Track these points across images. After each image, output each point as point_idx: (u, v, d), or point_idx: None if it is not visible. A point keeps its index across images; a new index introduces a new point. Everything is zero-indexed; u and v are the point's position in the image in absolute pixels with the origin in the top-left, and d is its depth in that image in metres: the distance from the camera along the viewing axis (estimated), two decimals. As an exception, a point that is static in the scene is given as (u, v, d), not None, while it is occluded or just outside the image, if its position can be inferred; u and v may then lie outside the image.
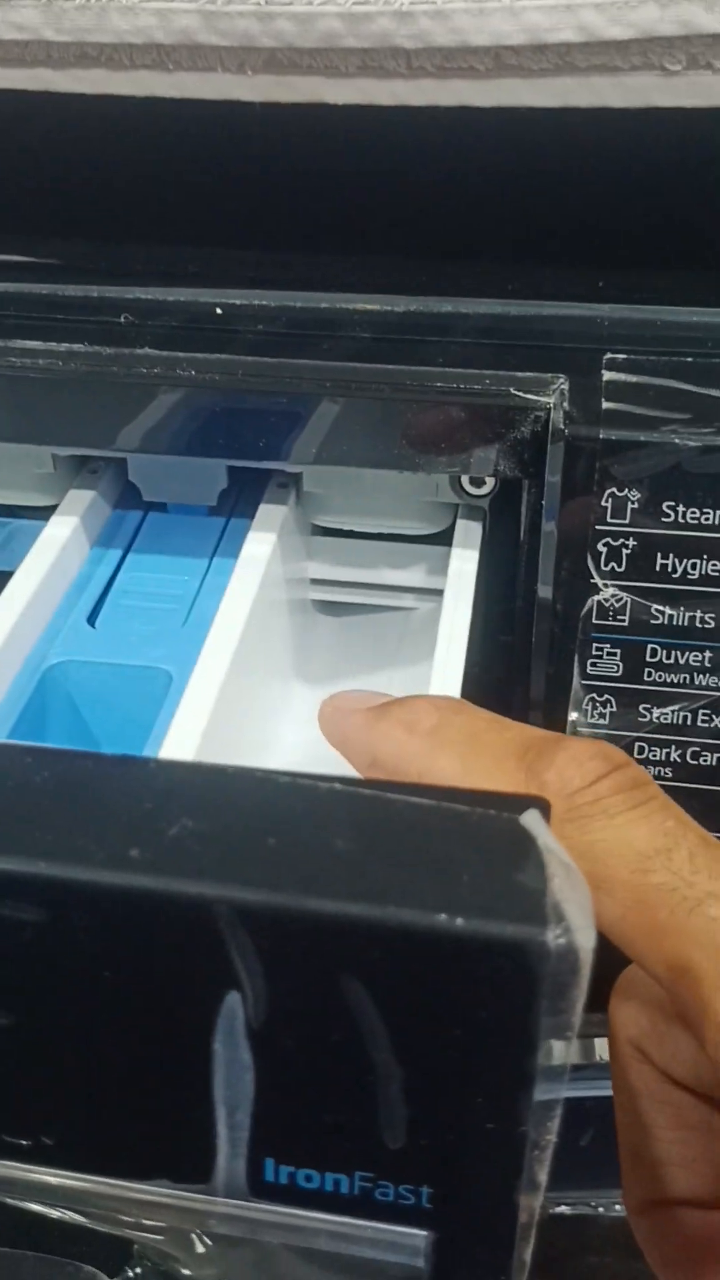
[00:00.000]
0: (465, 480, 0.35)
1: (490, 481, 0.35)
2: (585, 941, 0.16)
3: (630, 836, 0.20)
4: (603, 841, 0.21)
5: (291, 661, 0.38)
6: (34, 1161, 0.19)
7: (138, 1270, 0.21)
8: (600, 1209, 0.38)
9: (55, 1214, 0.21)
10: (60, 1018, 0.18)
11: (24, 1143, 0.19)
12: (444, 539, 0.37)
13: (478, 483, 0.35)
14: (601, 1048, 0.38)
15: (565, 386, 0.31)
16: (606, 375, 0.31)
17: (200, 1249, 0.20)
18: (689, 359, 0.32)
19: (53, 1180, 0.19)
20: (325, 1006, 0.17)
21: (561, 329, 0.34)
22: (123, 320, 0.35)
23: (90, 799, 0.18)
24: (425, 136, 0.35)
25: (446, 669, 0.30)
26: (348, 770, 0.25)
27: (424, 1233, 0.18)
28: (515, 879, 0.16)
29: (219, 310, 0.35)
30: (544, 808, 0.17)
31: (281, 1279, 0.20)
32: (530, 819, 0.17)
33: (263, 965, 0.17)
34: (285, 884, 0.16)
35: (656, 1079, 0.24)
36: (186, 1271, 0.21)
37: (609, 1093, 0.32)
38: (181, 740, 0.27)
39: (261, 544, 0.34)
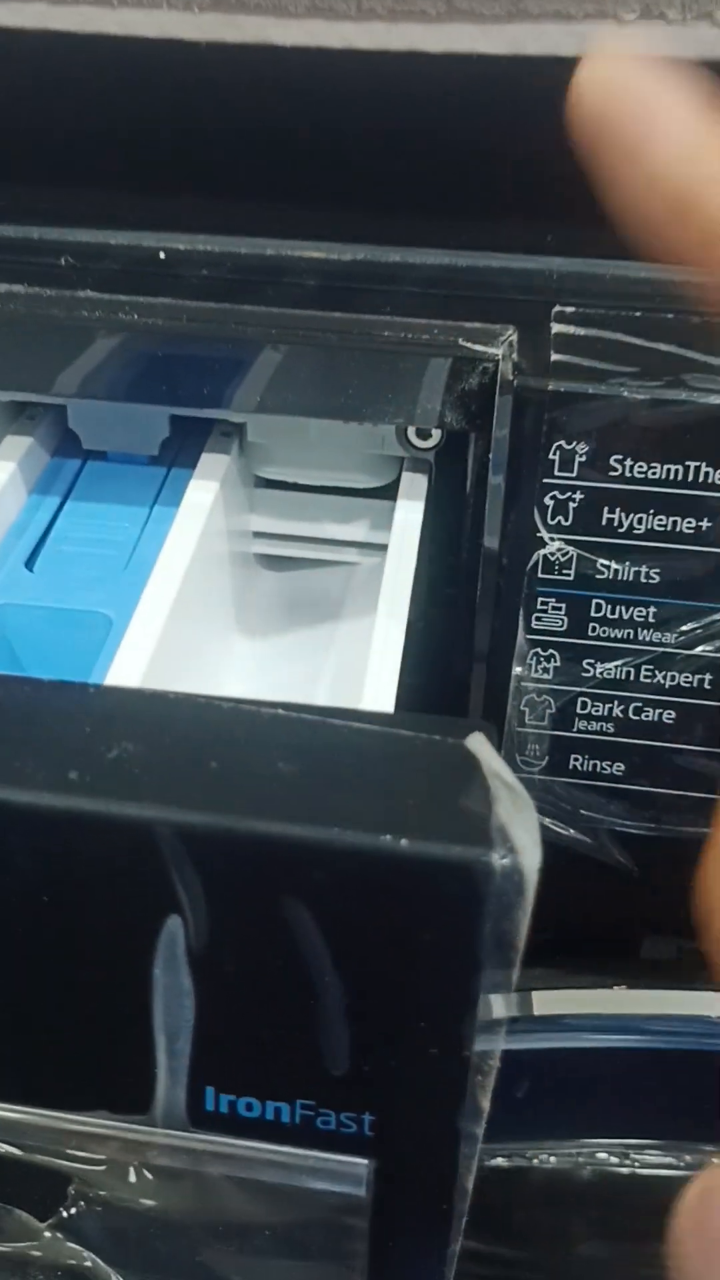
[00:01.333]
0: (411, 432, 0.35)
1: (436, 434, 0.35)
2: (530, 862, 0.16)
3: None
4: None
5: (233, 615, 0.38)
6: (-32, 1096, 0.19)
7: (73, 1211, 0.21)
8: (535, 1160, 0.39)
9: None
10: (-3, 944, 0.18)
11: (-42, 1076, 0.19)
12: (389, 493, 0.37)
13: (424, 435, 0.35)
14: (539, 1001, 0.39)
15: (514, 338, 0.31)
16: (556, 328, 0.31)
17: (141, 1182, 0.20)
18: (637, 313, 0.32)
19: (-13, 1114, 0.19)
20: (267, 929, 0.17)
21: (511, 281, 0.34)
22: (63, 262, 0.35)
23: (28, 722, 0.18)
24: (375, 82, 0.35)
25: (390, 620, 0.30)
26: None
27: (366, 1161, 0.19)
28: (460, 802, 0.16)
29: (162, 254, 0.35)
30: (489, 731, 0.17)
31: (224, 1212, 0.20)
32: (475, 742, 0.17)
33: (204, 888, 0.17)
34: (228, 805, 0.16)
35: None
36: (127, 1207, 0.21)
37: (544, 1045, 0.33)
38: (120, 683, 0.27)
39: (204, 491, 0.34)
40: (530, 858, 0.16)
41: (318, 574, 0.41)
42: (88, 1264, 0.21)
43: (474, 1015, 0.17)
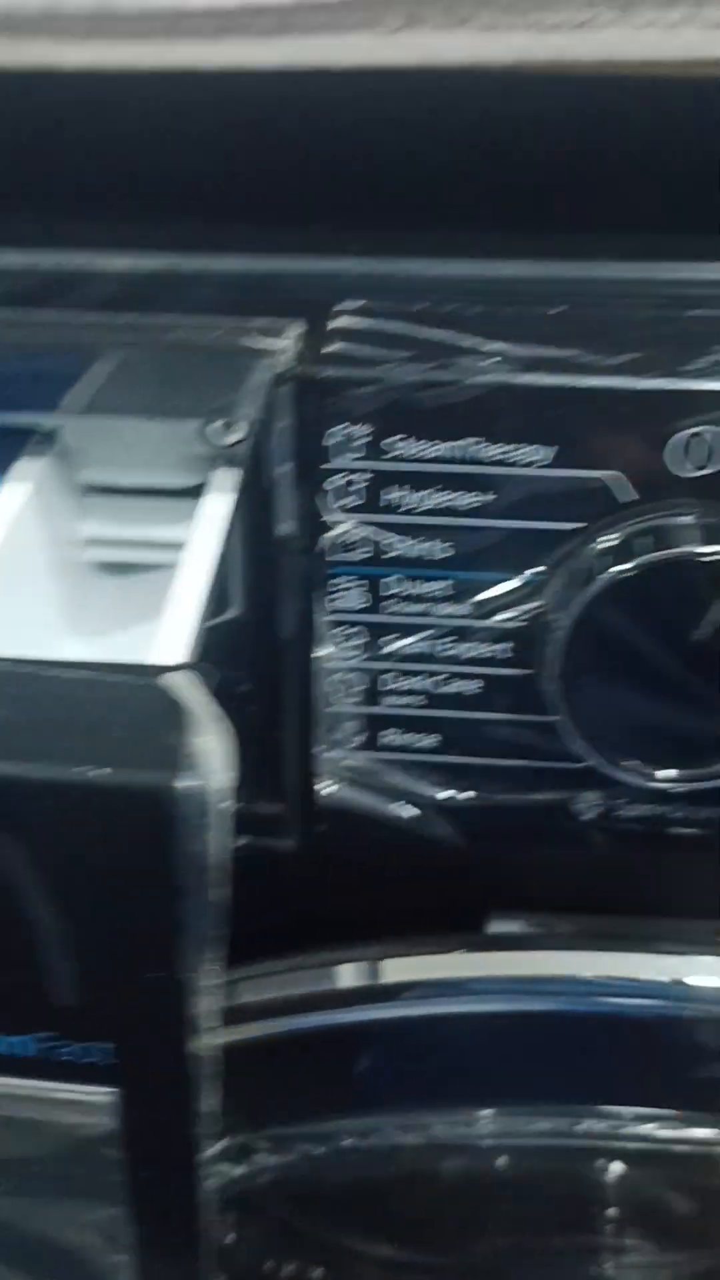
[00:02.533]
0: (215, 427, 0.36)
1: (240, 428, 0.36)
2: (219, 784, 0.17)
3: None
4: None
5: (63, 621, 0.39)
6: None
7: None
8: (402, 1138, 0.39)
9: None
10: None
11: None
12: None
13: (227, 429, 0.36)
14: (391, 969, 0.39)
15: (302, 331, 0.33)
16: (338, 322, 0.33)
17: None
18: (417, 307, 0.34)
19: None
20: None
21: (304, 282, 0.36)
22: None
23: None
24: (165, 98, 0.36)
25: (181, 609, 0.31)
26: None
27: (110, 1089, 0.20)
28: (156, 733, 0.18)
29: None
30: (192, 671, 0.19)
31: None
32: (172, 680, 0.18)
33: None
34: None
35: None
36: None
37: (392, 1014, 0.34)
38: None
39: (14, 496, 0.35)
40: (219, 780, 0.17)
41: (153, 577, 0.42)
42: None
43: (184, 938, 0.18)
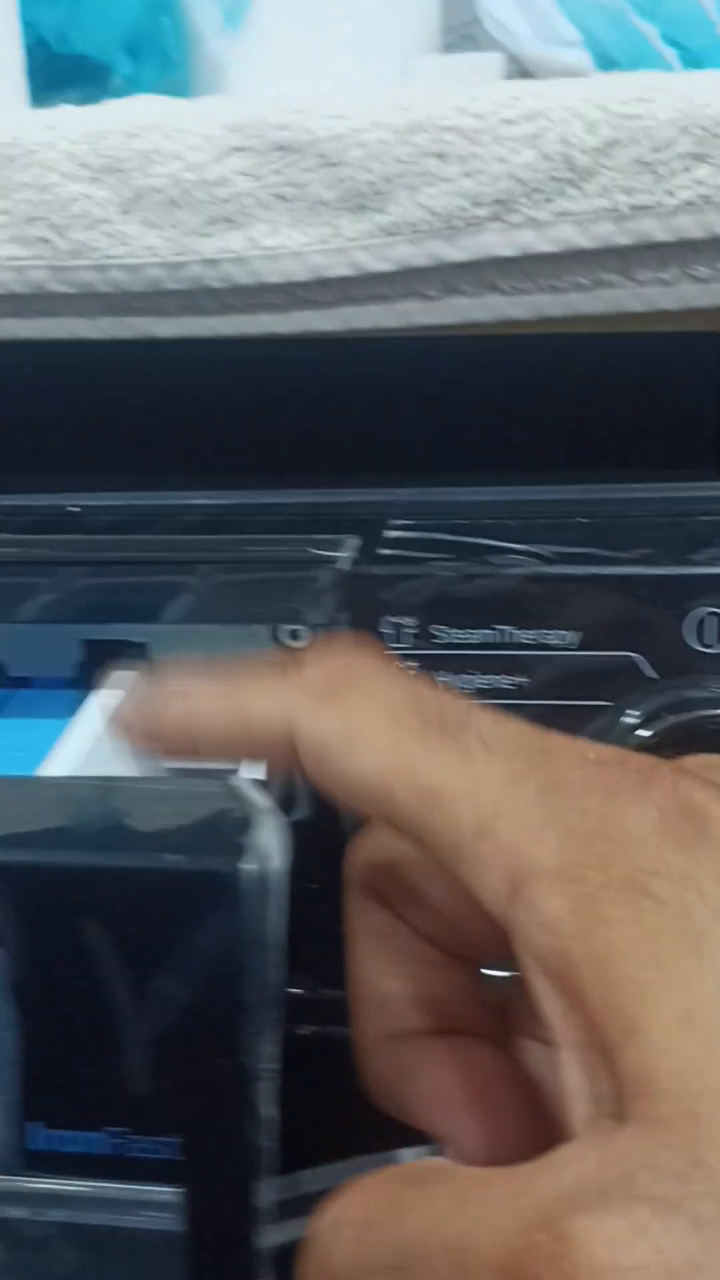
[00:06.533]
0: (284, 632, 0.38)
1: (306, 631, 0.38)
2: (276, 867, 0.18)
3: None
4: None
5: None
6: None
7: None
8: None
9: None
10: None
11: None
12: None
13: (295, 635, 0.38)
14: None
15: (357, 544, 0.35)
16: (388, 533, 0.35)
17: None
18: (457, 523, 0.36)
19: None
20: (71, 952, 0.18)
21: (355, 510, 0.38)
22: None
23: None
24: (241, 361, 0.40)
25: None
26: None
27: (176, 1189, 0.19)
28: (221, 826, 0.18)
29: (75, 508, 0.39)
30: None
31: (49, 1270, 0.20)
32: (236, 779, 0.19)
33: (15, 918, 0.18)
34: (27, 842, 0.18)
35: (388, 921, 0.23)
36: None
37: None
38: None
39: (106, 700, 0.37)
40: (276, 864, 0.18)
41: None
42: None
43: (245, 1019, 0.18)
